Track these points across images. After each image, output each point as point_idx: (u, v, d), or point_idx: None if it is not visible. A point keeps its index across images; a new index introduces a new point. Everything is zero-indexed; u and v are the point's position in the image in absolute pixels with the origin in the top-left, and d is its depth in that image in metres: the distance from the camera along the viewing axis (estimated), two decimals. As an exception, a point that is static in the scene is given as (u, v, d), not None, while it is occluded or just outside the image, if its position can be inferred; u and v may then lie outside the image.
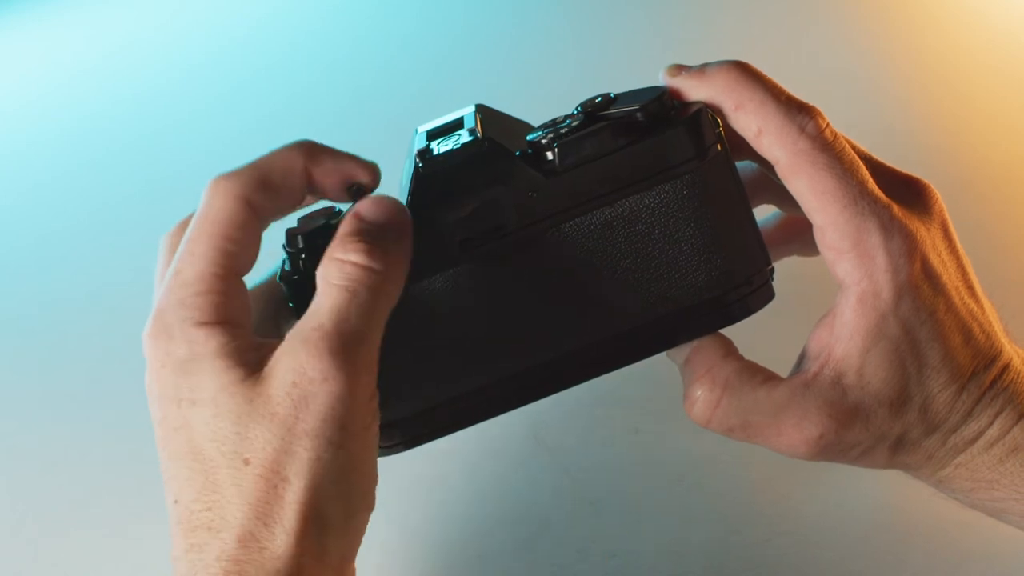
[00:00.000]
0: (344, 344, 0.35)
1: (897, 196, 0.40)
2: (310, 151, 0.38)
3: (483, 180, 0.38)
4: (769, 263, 0.41)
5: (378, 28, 0.73)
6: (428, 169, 0.38)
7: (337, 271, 0.36)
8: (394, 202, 0.38)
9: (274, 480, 0.35)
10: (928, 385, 0.39)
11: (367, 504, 0.37)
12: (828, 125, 0.38)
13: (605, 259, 0.39)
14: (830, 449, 0.39)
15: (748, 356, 0.41)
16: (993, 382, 0.40)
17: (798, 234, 0.40)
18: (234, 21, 0.74)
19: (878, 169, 0.41)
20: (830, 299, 0.40)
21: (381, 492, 0.45)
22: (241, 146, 0.68)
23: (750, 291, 0.40)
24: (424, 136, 0.40)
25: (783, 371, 0.41)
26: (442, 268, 0.39)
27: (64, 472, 0.58)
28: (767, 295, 0.41)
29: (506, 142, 0.39)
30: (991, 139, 0.65)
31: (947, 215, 0.41)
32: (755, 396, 0.39)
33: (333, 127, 0.69)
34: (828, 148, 0.38)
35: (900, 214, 0.38)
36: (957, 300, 0.39)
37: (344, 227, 0.37)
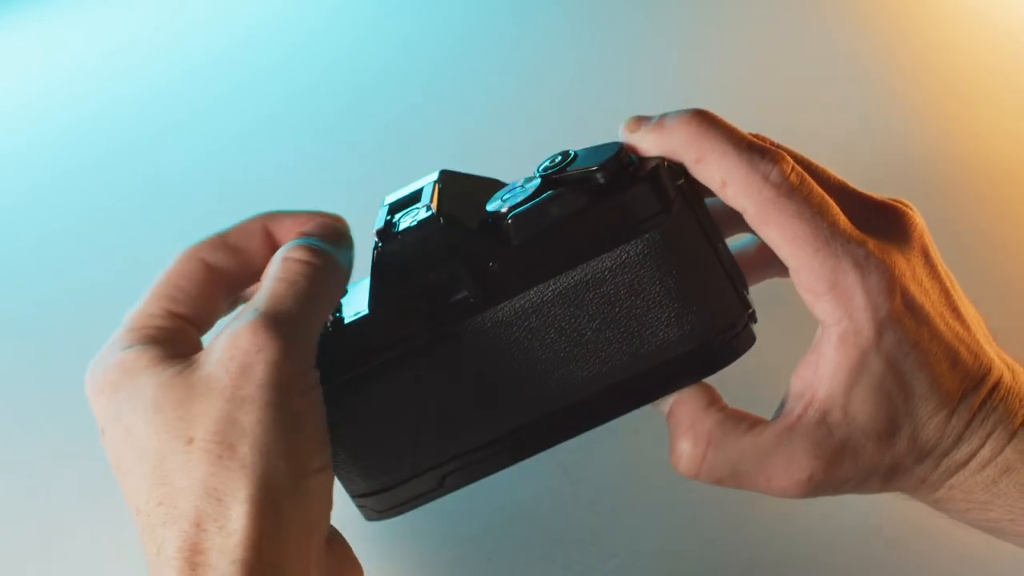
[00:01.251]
0: (277, 321, 0.37)
1: (873, 227, 0.39)
2: (269, 215, 0.42)
3: (441, 256, 0.38)
4: (748, 307, 0.40)
5: (378, 28, 0.73)
6: (387, 248, 0.39)
7: (277, 267, 0.38)
8: (334, 218, 0.41)
9: (218, 451, 0.36)
10: (917, 414, 0.39)
11: (318, 464, 0.38)
12: (793, 168, 0.38)
13: (574, 322, 0.39)
14: (821, 488, 0.40)
15: (732, 389, 0.41)
16: (983, 402, 0.39)
17: (776, 258, 0.40)
18: (234, 21, 0.74)
19: (853, 200, 0.40)
20: (813, 327, 0.40)
21: (381, 492, 0.45)
22: (241, 146, 0.68)
23: (728, 339, 0.40)
24: (386, 210, 0.40)
25: (768, 404, 0.41)
26: (410, 341, 0.39)
27: (64, 472, 0.58)
28: (747, 341, 0.40)
29: (464, 214, 0.39)
30: (991, 139, 0.65)
31: (927, 238, 0.41)
32: (740, 446, 0.39)
33: (333, 127, 0.69)
34: (794, 194, 0.38)
35: (876, 249, 0.38)
36: (942, 326, 0.39)
37: (289, 242, 0.40)
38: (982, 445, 0.39)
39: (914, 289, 0.39)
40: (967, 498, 0.40)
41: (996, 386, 0.40)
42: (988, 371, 0.40)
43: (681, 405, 0.40)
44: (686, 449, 0.40)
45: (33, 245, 0.66)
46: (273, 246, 0.41)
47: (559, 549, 0.53)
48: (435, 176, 0.41)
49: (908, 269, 0.39)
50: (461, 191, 0.40)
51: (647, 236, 0.38)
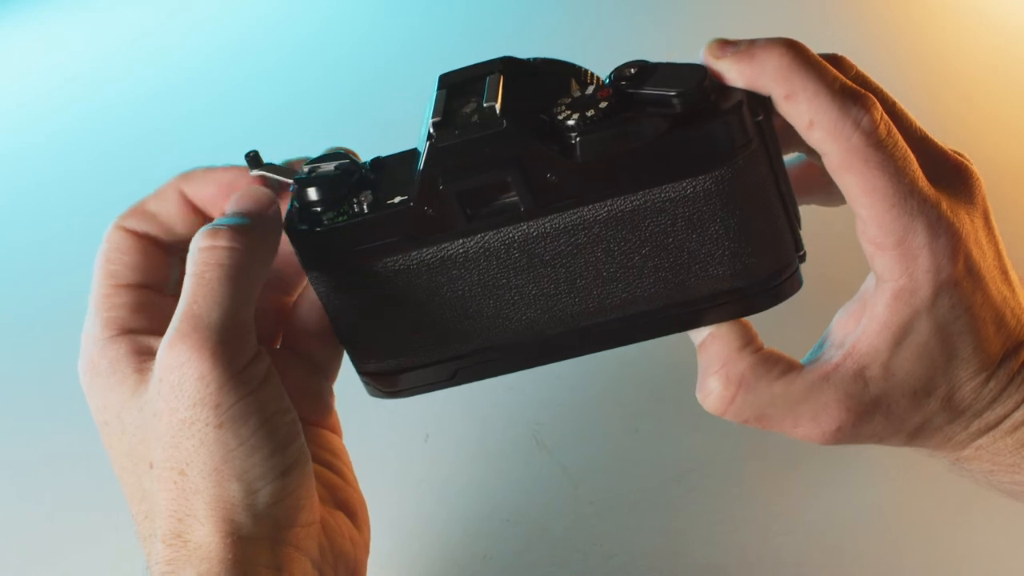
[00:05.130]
0: (194, 327, 0.35)
1: (946, 184, 0.38)
2: (184, 175, 0.41)
3: (498, 159, 0.36)
4: (800, 249, 0.39)
5: (378, 28, 0.73)
6: (441, 141, 0.36)
7: (191, 262, 0.37)
8: (243, 190, 0.39)
9: (173, 476, 0.36)
10: (956, 376, 0.38)
11: (280, 468, 0.37)
12: (883, 117, 0.36)
13: (624, 246, 0.38)
14: (847, 438, 0.39)
15: (766, 328, 0.40)
16: (1022, 366, 0.39)
17: (823, 184, 0.38)
18: (234, 21, 0.74)
19: (928, 151, 0.39)
20: (857, 278, 0.39)
21: (381, 492, 0.45)
22: (241, 145, 0.68)
23: (775, 283, 0.39)
24: (443, 94, 0.38)
25: (802, 348, 0.40)
26: (450, 237, 0.38)
27: (63, 472, 0.58)
28: (794, 285, 0.39)
29: (528, 114, 0.36)
30: (991, 139, 0.65)
31: (987, 200, 0.40)
32: (771, 391, 0.38)
33: (333, 127, 0.69)
34: (881, 145, 0.36)
35: (948, 210, 0.37)
36: (993, 289, 0.38)
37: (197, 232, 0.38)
38: (1016, 408, 0.39)
39: (975, 252, 0.38)
40: (994, 459, 0.40)
41: None
42: None
43: (716, 341, 0.39)
44: (716, 388, 0.39)
45: (33, 245, 0.66)
46: (191, 206, 0.41)
47: (559, 549, 0.53)
48: (499, 64, 0.38)
49: (972, 231, 0.38)
50: (524, 84, 0.38)
51: (717, 173, 0.36)
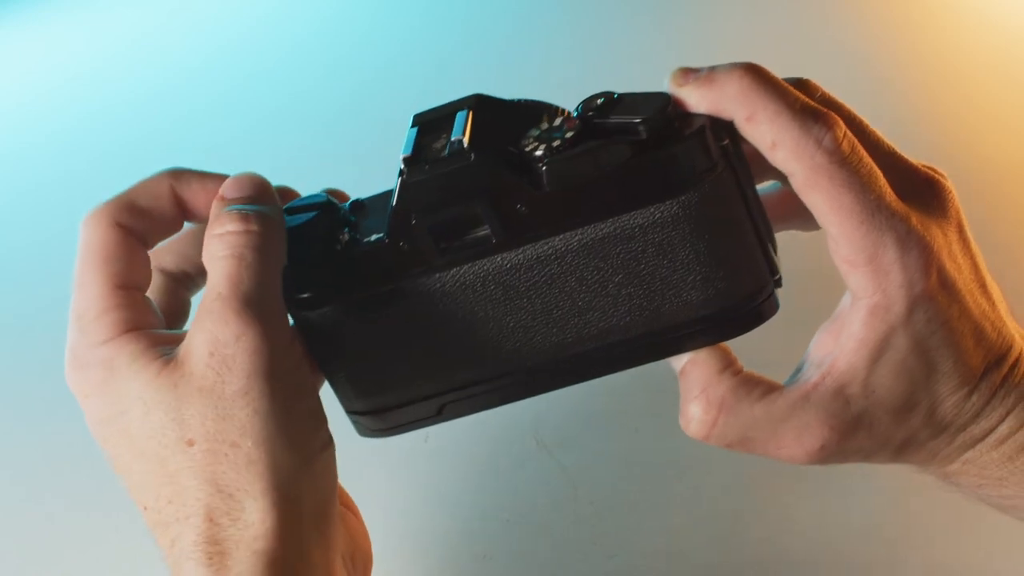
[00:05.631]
0: (245, 302, 0.36)
1: (915, 198, 0.39)
2: (176, 174, 0.40)
3: (468, 192, 0.37)
4: (775, 273, 0.39)
5: (378, 28, 0.73)
6: (412, 176, 0.37)
7: (219, 244, 0.37)
8: (250, 175, 0.40)
9: (223, 449, 0.36)
10: (937, 391, 0.38)
11: (320, 443, 0.38)
12: (846, 135, 0.37)
13: (596, 274, 0.38)
14: (831, 457, 0.39)
15: (747, 352, 0.40)
16: (1004, 379, 0.39)
17: (798, 211, 0.39)
18: (234, 21, 0.74)
19: (897, 167, 0.39)
20: (834, 296, 0.40)
21: (382, 492, 0.45)
22: (241, 145, 0.68)
23: (752, 306, 0.39)
24: (415, 132, 0.39)
25: (783, 371, 0.40)
26: (425, 272, 0.38)
27: (63, 472, 0.58)
28: (770, 308, 0.39)
29: (496, 146, 0.37)
30: (991, 139, 0.65)
31: (962, 213, 0.40)
32: (753, 413, 0.39)
33: (333, 127, 0.69)
34: (845, 162, 0.36)
35: (918, 224, 0.37)
36: (971, 302, 0.39)
37: (214, 210, 0.38)
38: (1001, 421, 0.39)
39: (949, 266, 0.38)
40: (981, 473, 0.40)
41: (1017, 362, 0.39)
42: (1010, 347, 0.39)
43: (695, 366, 0.39)
44: (697, 414, 0.39)
45: (33, 245, 0.66)
46: (182, 206, 0.40)
47: (559, 549, 0.53)
48: (469, 101, 0.39)
49: (945, 245, 0.38)
50: (495, 120, 0.38)
51: (684, 198, 0.36)
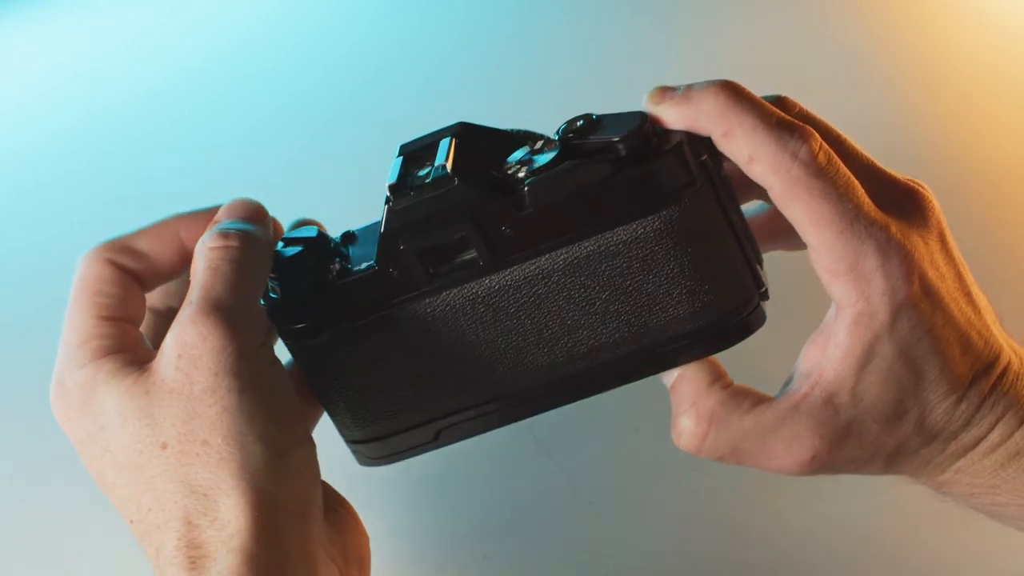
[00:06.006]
0: (214, 306, 0.37)
1: (895, 209, 0.39)
2: (184, 219, 0.42)
3: (453, 217, 0.38)
4: (761, 286, 0.40)
5: (378, 28, 0.73)
6: (398, 203, 0.38)
7: (199, 260, 0.38)
8: (241, 199, 0.41)
9: (194, 449, 0.36)
10: (925, 399, 0.38)
11: (295, 439, 0.38)
12: (822, 147, 0.37)
13: (583, 292, 0.39)
14: (822, 468, 0.39)
15: (738, 365, 0.41)
16: (993, 387, 0.39)
17: (785, 230, 0.39)
18: (234, 21, 0.74)
19: (876, 178, 0.40)
20: (822, 308, 0.40)
21: (381, 492, 0.45)
22: (241, 145, 0.68)
23: (739, 318, 0.39)
24: (400, 162, 0.40)
25: (773, 383, 0.41)
26: (415, 298, 0.39)
27: (62, 474, 0.58)
28: (758, 320, 0.40)
29: (479, 172, 0.38)
30: (991, 139, 0.65)
31: (944, 223, 0.40)
32: (743, 425, 0.39)
33: (333, 127, 0.69)
34: (822, 174, 0.37)
35: (898, 232, 0.38)
36: (955, 311, 0.39)
37: (205, 232, 0.40)
38: (991, 429, 0.39)
39: (932, 274, 0.38)
40: (973, 482, 0.40)
41: (1005, 371, 0.40)
42: (998, 356, 0.40)
43: (685, 381, 0.40)
44: (688, 427, 0.39)
45: (33, 245, 0.66)
46: (182, 248, 0.41)
47: (558, 549, 0.53)
48: (453, 129, 0.40)
49: (927, 253, 0.39)
50: (478, 146, 0.39)
51: (664, 213, 0.37)
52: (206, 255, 0.38)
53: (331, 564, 0.39)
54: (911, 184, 0.41)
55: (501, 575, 0.53)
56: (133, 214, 0.66)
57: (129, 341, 0.40)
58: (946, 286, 0.39)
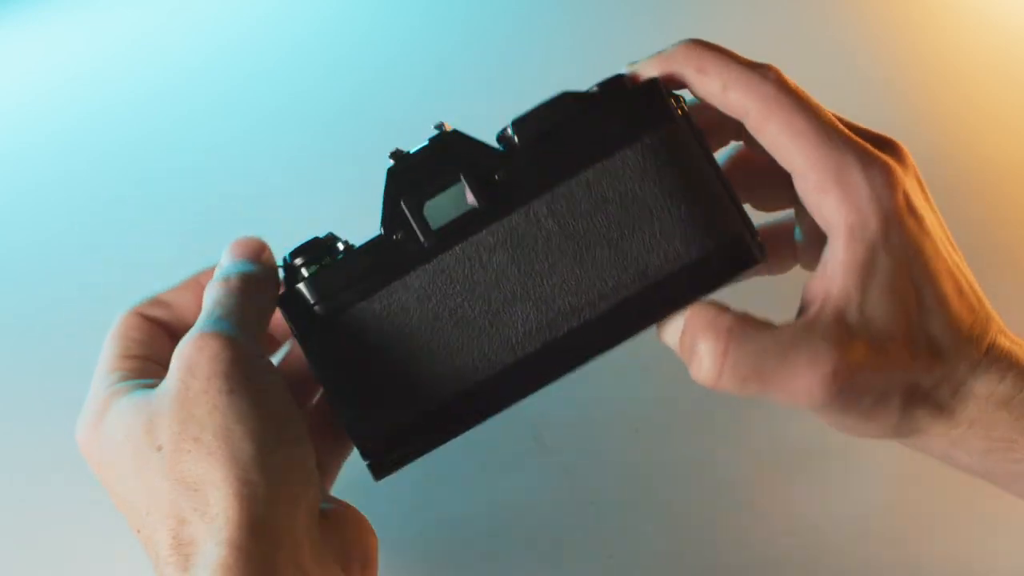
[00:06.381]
0: (212, 324, 0.39)
1: (871, 143, 0.40)
2: (204, 272, 0.45)
3: (449, 167, 0.40)
4: (750, 226, 0.41)
5: (378, 28, 0.73)
6: (398, 166, 0.41)
7: (205, 295, 0.42)
8: (243, 240, 0.44)
9: (186, 446, 0.37)
10: (929, 326, 0.38)
11: (287, 437, 0.39)
12: (789, 78, 0.40)
13: (578, 232, 0.40)
14: (846, 389, 0.38)
15: None
16: (992, 345, 0.39)
17: (756, 180, 0.42)
18: (234, 21, 0.74)
19: (850, 125, 0.41)
20: None
21: (381, 492, 0.45)
22: (241, 145, 0.68)
23: (734, 251, 0.40)
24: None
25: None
26: (421, 261, 0.40)
27: (62, 475, 0.58)
28: (754, 254, 0.40)
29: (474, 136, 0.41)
30: (991, 139, 0.65)
31: (919, 174, 0.41)
32: (761, 340, 0.38)
33: (333, 127, 0.69)
34: (794, 91, 0.39)
35: (876, 151, 0.39)
36: (943, 248, 0.39)
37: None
38: (1001, 380, 0.39)
39: (915, 198, 0.39)
40: (988, 435, 0.40)
41: (1000, 335, 0.40)
42: (990, 316, 0.40)
43: (694, 317, 0.40)
44: (706, 348, 0.39)
45: (33, 245, 0.66)
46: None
47: (559, 549, 0.53)
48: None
49: (907, 180, 0.39)
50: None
51: (647, 140, 0.39)
52: (209, 291, 0.42)
53: (328, 559, 0.39)
54: (886, 135, 0.42)
55: (501, 575, 0.53)
56: (133, 214, 0.66)
57: (149, 373, 0.42)
58: (931, 219, 0.40)
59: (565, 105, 0.40)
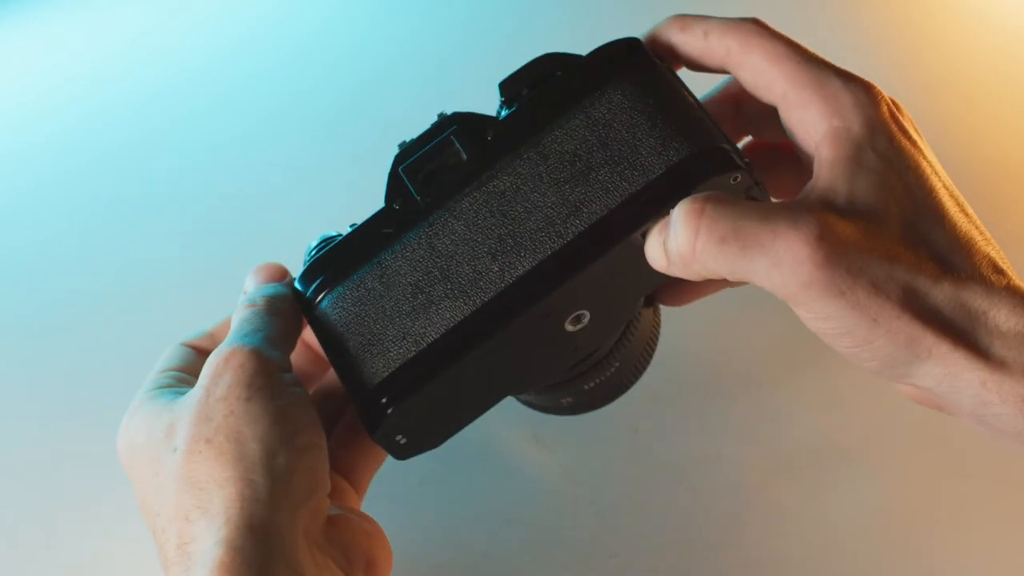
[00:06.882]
0: (240, 339, 0.41)
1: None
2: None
3: (446, 137, 0.42)
4: (733, 144, 0.40)
5: (378, 28, 0.73)
6: (403, 150, 0.43)
7: (234, 319, 0.43)
8: (263, 266, 0.46)
9: (199, 447, 0.38)
10: (929, 231, 0.36)
11: (299, 444, 0.39)
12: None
13: (564, 169, 0.40)
14: (832, 262, 0.34)
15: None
16: (1010, 284, 0.35)
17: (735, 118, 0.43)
18: (234, 21, 0.74)
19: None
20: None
21: (381, 493, 0.45)
22: (241, 145, 0.68)
23: (715, 158, 0.39)
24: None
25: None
26: (416, 222, 0.41)
27: (65, 474, 0.58)
28: (738, 162, 0.39)
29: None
30: (991, 139, 0.65)
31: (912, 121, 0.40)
32: (741, 206, 0.36)
33: (333, 127, 0.69)
34: (773, 31, 0.40)
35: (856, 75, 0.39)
36: (942, 176, 0.38)
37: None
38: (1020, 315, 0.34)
39: (904, 120, 0.39)
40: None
41: (1019, 279, 0.36)
42: (1006, 262, 0.37)
43: (675, 208, 0.37)
44: (680, 213, 0.37)
45: (33, 245, 0.66)
46: None
47: (559, 549, 0.53)
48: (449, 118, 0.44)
49: (891, 105, 0.39)
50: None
51: (628, 78, 0.41)
52: (236, 316, 0.43)
53: (328, 562, 0.39)
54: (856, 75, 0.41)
55: (501, 575, 0.53)
56: (133, 214, 0.66)
57: (183, 384, 0.43)
58: (925, 148, 0.38)
59: (549, 62, 0.42)
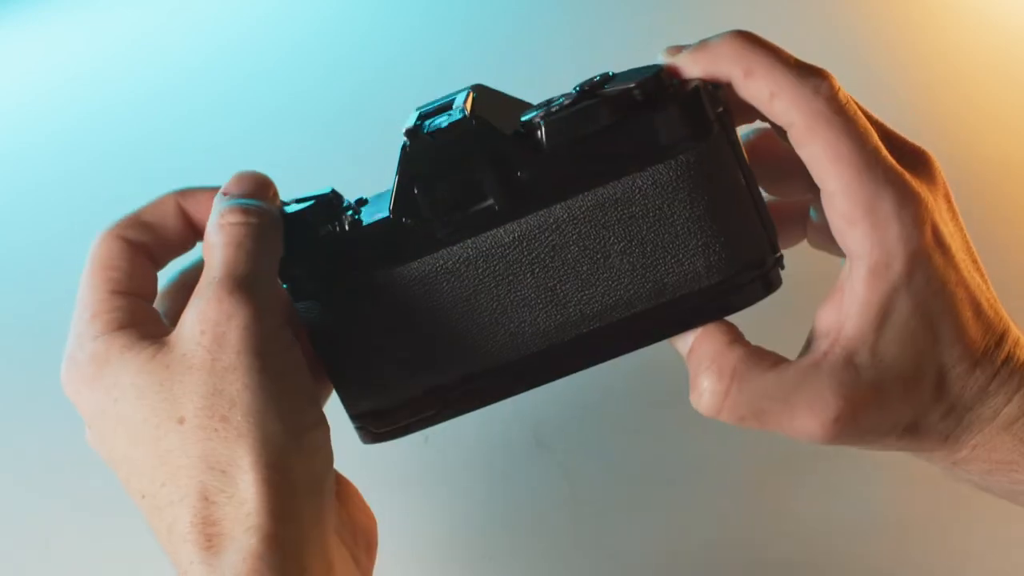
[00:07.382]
0: (239, 284, 0.37)
1: (905, 162, 0.39)
2: (183, 193, 0.42)
3: (469, 159, 0.37)
4: (776, 250, 0.40)
5: (379, 27, 0.73)
6: (414, 147, 0.38)
7: (218, 234, 0.38)
8: (252, 172, 0.41)
9: (212, 424, 0.36)
10: (942, 360, 0.38)
11: (312, 420, 0.38)
12: (840, 88, 0.37)
13: (598, 242, 0.38)
14: (846, 431, 0.38)
15: (754, 342, 0.40)
16: (1006, 360, 0.39)
17: (776, 176, 0.40)
18: (234, 21, 0.74)
19: (888, 135, 0.40)
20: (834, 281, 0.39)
21: (381, 493, 0.45)
22: (241, 145, 0.68)
23: (754, 277, 0.39)
24: (416, 116, 0.39)
25: (791, 357, 0.40)
26: (429, 251, 0.39)
27: (61, 472, 0.58)
28: (774, 282, 0.39)
29: (497, 122, 0.38)
30: (991, 139, 0.65)
31: (950, 190, 0.40)
32: (764, 382, 0.38)
33: (333, 127, 0.69)
34: (842, 111, 0.37)
35: (912, 181, 0.37)
36: (966, 272, 0.38)
37: (215, 203, 0.40)
38: (1008, 402, 0.38)
39: (943, 228, 0.38)
40: (991, 458, 0.39)
41: (1016, 345, 0.39)
42: (1007, 328, 0.39)
43: (703, 341, 0.39)
44: (708, 385, 0.38)
45: (33, 245, 0.66)
46: (188, 220, 0.42)
47: (559, 549, 0.53)
48: (468, 87, 0.40)
49: (937, 208, 0.38)
50: (496, 104, 0.39)
51: (682, 158, 0.37)
52: (226, 231, 0.38)
53: (341, 544, 0.39)
54: (919, 147, 0.41)
55: (501, 575, 0.53)
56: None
57: (141, 315, 0.40)
58: (956, 245, 0.39)
59: (599, 110, 0.37)
